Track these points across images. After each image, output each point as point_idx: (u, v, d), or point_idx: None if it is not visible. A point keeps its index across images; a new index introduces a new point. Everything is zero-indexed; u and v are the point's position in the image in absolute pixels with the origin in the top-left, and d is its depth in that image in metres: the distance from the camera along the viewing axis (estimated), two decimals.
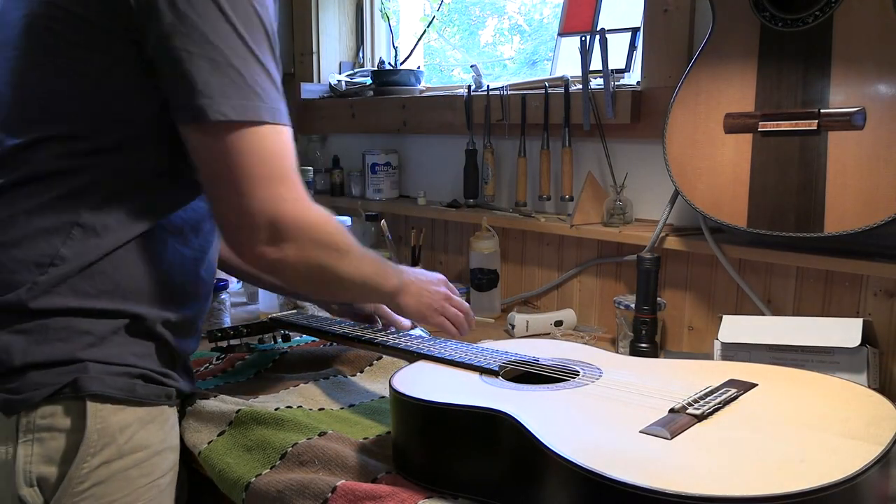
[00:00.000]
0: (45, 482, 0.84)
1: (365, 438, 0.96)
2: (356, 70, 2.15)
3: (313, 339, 1.34)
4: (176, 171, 0.89)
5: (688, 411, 0.75)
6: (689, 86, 1.23)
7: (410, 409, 0.85)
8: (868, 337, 1.07)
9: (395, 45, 2.03)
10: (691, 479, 0.62)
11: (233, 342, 1.27)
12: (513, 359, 0.95)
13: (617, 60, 1.49)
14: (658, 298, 1.27)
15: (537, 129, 1.58)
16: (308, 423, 0.97)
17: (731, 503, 0.59)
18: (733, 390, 0.81)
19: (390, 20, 2.09)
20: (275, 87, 0.85)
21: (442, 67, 2.18)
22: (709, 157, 1.21)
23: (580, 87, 1.48)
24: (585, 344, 1.07)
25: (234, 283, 1.70)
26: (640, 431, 0.72)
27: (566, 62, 1.71)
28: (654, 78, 1.42)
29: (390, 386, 0.88)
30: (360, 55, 2.21)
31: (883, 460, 0.64)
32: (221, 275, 1.33)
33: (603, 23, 1.51)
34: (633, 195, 1.47)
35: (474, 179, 1.71)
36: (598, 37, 1.44)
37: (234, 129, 0.80)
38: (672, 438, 0.70)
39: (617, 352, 1.32)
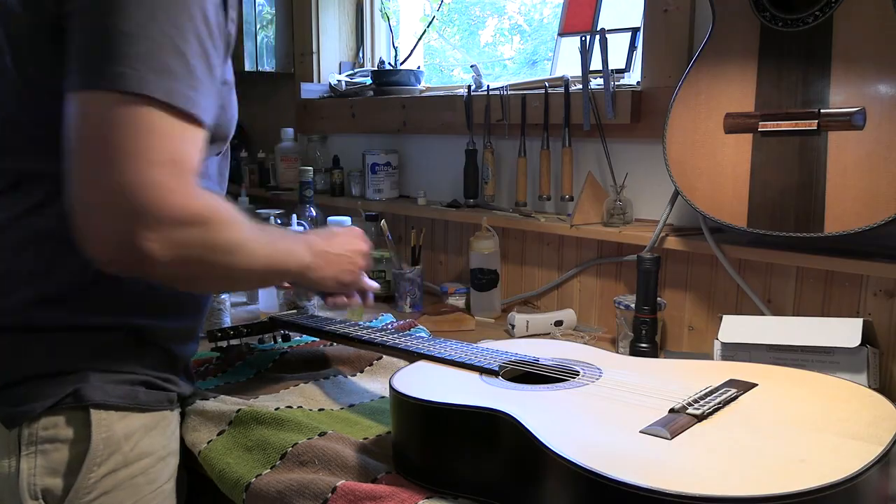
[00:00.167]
0: (51, 494, 0.83)
1: (365, 438, 0.96)
2: (356, 70, 2.15)
3: (313, 339, 1.34)
4: None
5: (688, 411, 0.75)
6: (689, 86, 1.23)
7: (410, 409, 0.85)
8: (868, 337, 1.07)
9: (395, 45, 2.03)
10: (691, 479, 0.62)
11: (233, 342, 1.27)
12: (513, 359, 0.95)
13: (617, 60, 1.49)
14: (658, 298, 1.27)
15: (537, 129, 1.58)
16: (308, 423, 0.97)
17: (731, 503, 0.59)
18: (733, 390, 0.81)
19: (390, 20, 2.09)
20: (189, 71, 0.75)
21: (442, 67, 2.18)
22: (709, 157, 1.21)
23: (580, 87, 1.48)
24: (585, 344, 1.07)
25: None
26: (641, 431, 0.72)
27: (566, 62, 1.71)
28: (654, 78, 1.42)
29: (390, 386, 0.88)
30: (360, 55, 2.21)
31: (883, 460, 0.64)
32: None
33: (603, 23, 1.51)
34: (633, 195, 1.47)
35: (474, 179, 1.71)
36: (598, 37, 1.44)
37: (132, 102, 0.71)
38: (672, 438, 0.70)
39: (617, 352, 1.32)
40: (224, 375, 1.22)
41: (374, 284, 1.12)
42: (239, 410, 1.00)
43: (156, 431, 0.90)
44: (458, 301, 1.62)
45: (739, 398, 0.79)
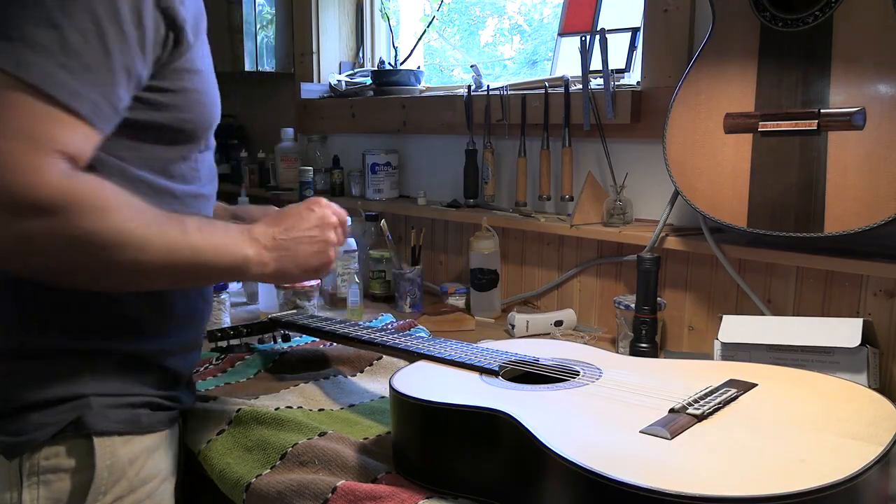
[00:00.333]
0: None
1: (365, 438, 0.96)
2: (356, 70, 2.15)
3: (313, 339, 1.34)
4: (172, 197, 0.84)
5: (688, 411, 0.75)
6: (689, 86, 1.23)
7: (410, 409, 0.85)
8: (868, 337, 1.07)
9: (395, 45, 2.03)
10: (691, 479, 0.62)
11: (233, 342, 1.27)
12: (513, 359, 0.95)
13: (617, 60, 1.49)
14: (658, 298, 1.27)
15: (537, 129, 1.58)
16: (308, 424, 0.97)
17: (731, 503, 0.59)
18: (733, 390, 0.81)
19: (390, 20, 2.09)
20: (62, 47, 0.68)
21: (442, 67, 2.18)
22: (709, 157, 1.21)
23: (580, 87, 1.48)
24: (585, 344, 1.07)
25: (235, 283, 1.70)
26: (641, 431, 0.72)
27: (566, 62, 1.71)
28: (654, 78, 1.42)
29: (390, 386, 0.88)
30: (360, 55, 2.21)
31: (883, 460, 0.64)
32: None
33: (603, 23, 1.51)
34: (633, 195, 1.47)
35: (474, 179, 1.71)
36: (598, 37, 1.44)
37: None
38: (672, 438, 0.70)
39: (617, 352, 1.32)
40: (224, 375, 1.22)
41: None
42: (239, 410, 1.00)
43: (158, 453, 0.89)
44: (458, 301, 1.62)
45: (739, 398, 0.79)
